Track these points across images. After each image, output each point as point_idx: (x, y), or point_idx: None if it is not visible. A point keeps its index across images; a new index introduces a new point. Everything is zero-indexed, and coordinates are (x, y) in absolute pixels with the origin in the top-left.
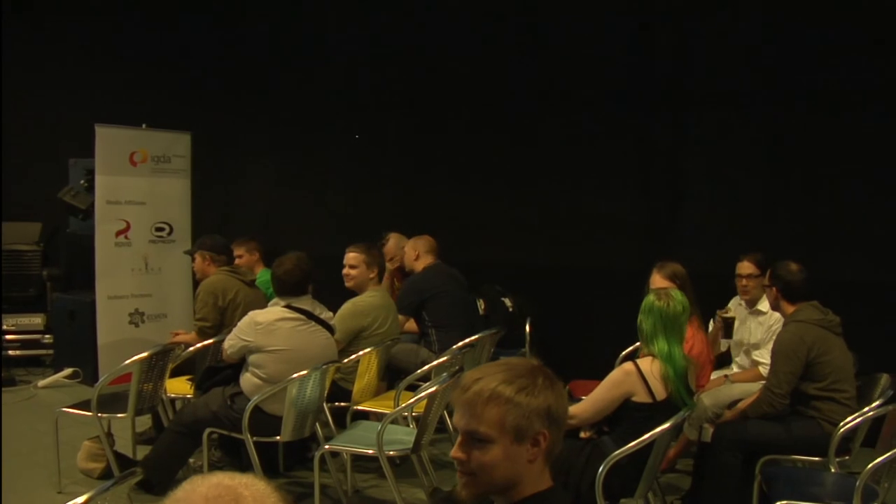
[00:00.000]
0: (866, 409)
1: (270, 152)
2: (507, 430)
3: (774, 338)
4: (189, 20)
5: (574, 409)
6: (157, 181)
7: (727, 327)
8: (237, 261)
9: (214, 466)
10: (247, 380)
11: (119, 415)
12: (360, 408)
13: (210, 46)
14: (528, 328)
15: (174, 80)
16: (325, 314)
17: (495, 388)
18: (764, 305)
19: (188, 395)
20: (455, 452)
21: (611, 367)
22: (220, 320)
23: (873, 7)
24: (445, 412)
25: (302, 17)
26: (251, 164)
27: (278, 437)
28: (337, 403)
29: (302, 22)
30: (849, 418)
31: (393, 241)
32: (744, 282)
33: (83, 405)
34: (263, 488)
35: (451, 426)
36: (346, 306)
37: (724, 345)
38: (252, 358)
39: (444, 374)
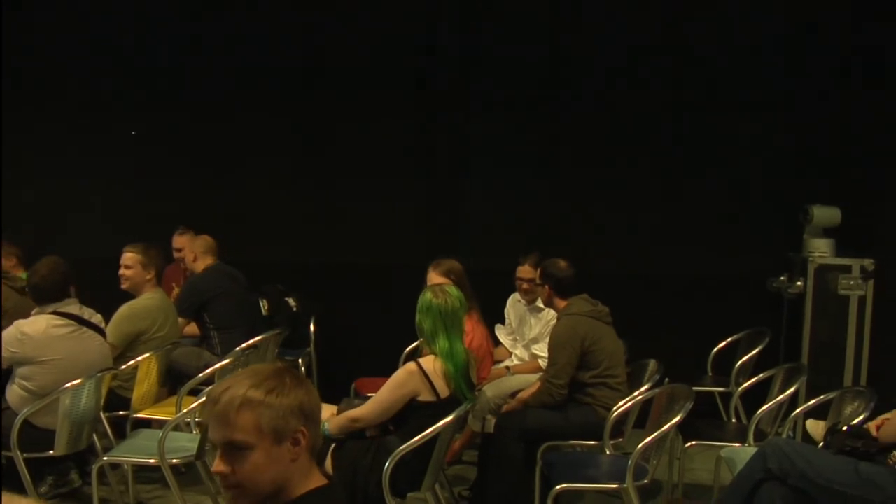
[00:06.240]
0: (636, 393)
1: (41, 150)
2: (266, 433)
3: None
4: None
5: (358, 411)
6: None
7: None
8: None
9: None
10: (14, 393)
11: None
12: (140, 416)
13: None
14: (312, 327)
15: None
16: (95, 317)
17: (245, 393)
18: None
19: None
20: (216, 467)
21: (395, 364)
22: None
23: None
24: None
25: (81, 14)
26: (16, 163)
27: (52, 452)
28: (115, 412)
29: (79, 18)
30: (620, 403)
31: (187, 236)
32: (525, 285)
33: None
34: None
35: None
36: (122, 310)
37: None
38: (20, 370)
39: (228, 376)
